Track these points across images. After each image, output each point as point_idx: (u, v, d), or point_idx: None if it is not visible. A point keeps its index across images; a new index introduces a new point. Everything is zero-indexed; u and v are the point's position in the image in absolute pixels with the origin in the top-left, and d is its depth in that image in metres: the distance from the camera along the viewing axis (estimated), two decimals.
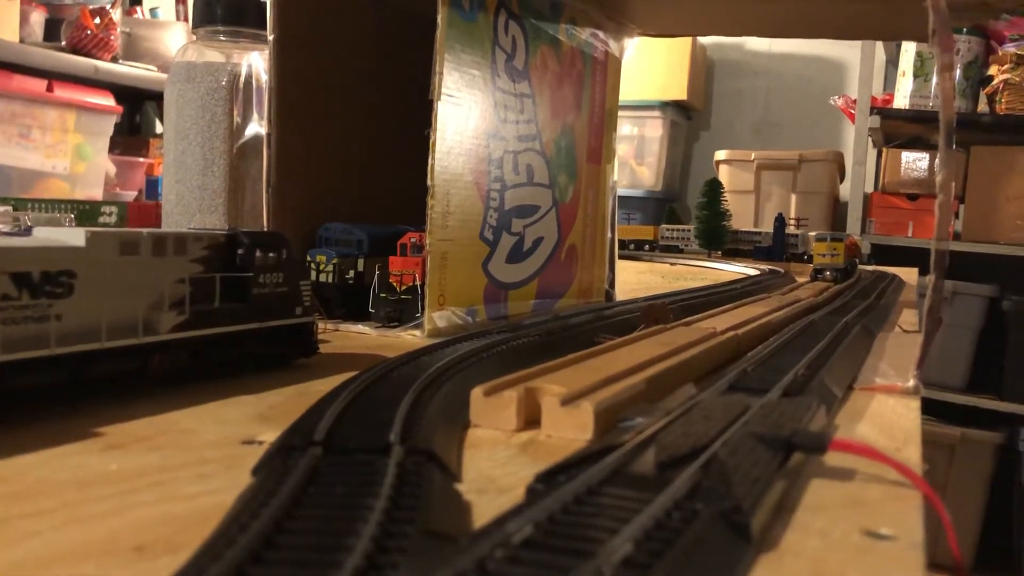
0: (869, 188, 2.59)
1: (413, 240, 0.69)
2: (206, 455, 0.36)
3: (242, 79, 0.85)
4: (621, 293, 1.04)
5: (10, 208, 0.94)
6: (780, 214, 2.00)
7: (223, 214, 0.85)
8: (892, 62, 2.72)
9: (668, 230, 2.17)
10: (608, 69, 0.98)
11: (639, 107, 2.85)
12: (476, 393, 0.42)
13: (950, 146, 0.49)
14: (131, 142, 2.45)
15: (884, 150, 2.59)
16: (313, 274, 0.71)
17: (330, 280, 0.72)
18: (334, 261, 0.72)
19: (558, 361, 0.48)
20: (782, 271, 1.46)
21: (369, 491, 0.27)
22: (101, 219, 1.15)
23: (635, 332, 0.62)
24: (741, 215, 2.57)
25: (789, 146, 2.85)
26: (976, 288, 2.33)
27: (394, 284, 0.70)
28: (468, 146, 0.71)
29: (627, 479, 0.28)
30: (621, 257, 1.07)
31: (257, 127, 0.85)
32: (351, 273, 0.72)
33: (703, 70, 3.05)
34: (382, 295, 0.70)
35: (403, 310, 0.69)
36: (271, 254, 0.50)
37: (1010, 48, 2.29)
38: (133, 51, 2.44)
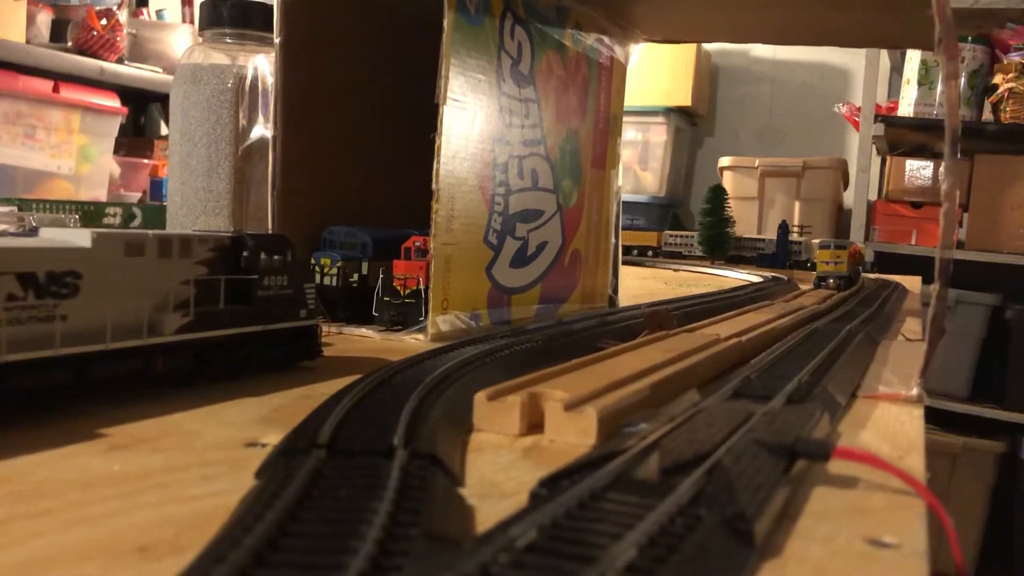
0: (873, 196, 2.59)
1: (417, 244, 0.69)
2: (210, 457, 0.36)
3: (248, 82, 0.85)
4: (624, 299, 1.04)
5: (15, 208, 0.94)
6: (784, 221, 2.00)
7: (228, 216, 0.85)
8: (897, 70, 2.72)
9: (671, 236, 2.17)
10: (613, 74, 0.98)
11: (643, 113, 2.85)
12: (479, 397, 0.42)
13: (955, 154, 0.49)
14: (136, 143, 2.45)
15: (888, 158, 2.59)
16: (317, 277, 0.71)
17: (334, 283, 0.72)
18: (338, 264, 0.72)
19: (561, 366, 0.48)
20: (785, 278, 1.46)
21: (373, 494, 0.27)
22: (105, 220, 1.15)
23: (638, 338, 0.62)
24: (745, 222, 2.57)
25: (793, 153, 2.85)
26: (979, 297, 2.33)
27: (398, 288, 0.70)
28: (473, 150, 0.71)
29: (630, 485, 0.28)
30: (624, 263, 1.07)
31: (263, 130, 0.85)
32: (355, 276, 0.72)
33: (707, 76, 3.05)
34: (386, 298, 0.70)
35: (407, 314, 0.69)
36: (276, 257, 0.50)
37: (1015, 57, 2.29)
38: (139, 53, 2.45)
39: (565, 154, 0.87)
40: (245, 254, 0.49)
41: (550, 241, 0.85)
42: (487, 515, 0.30)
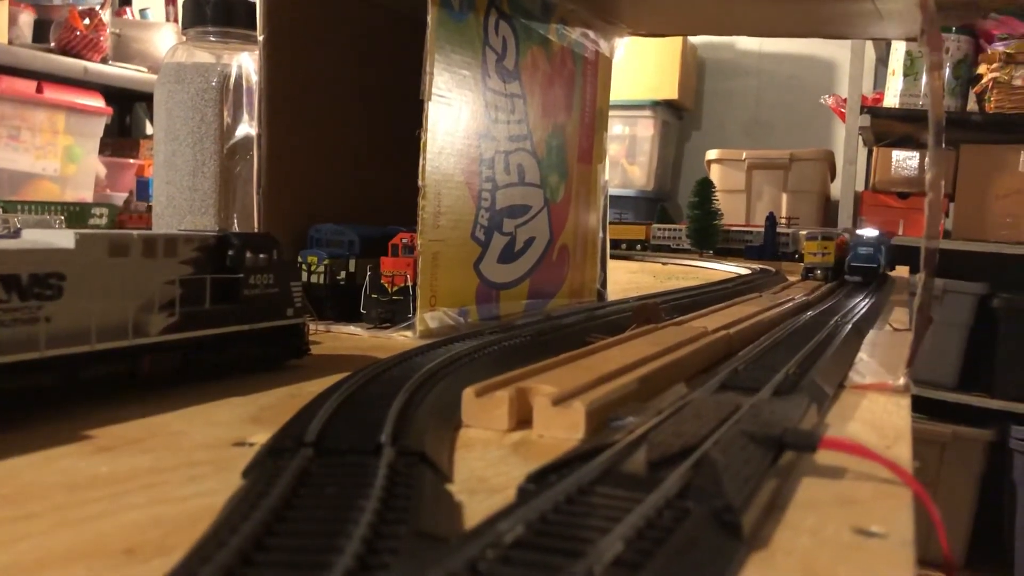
0: (860, 187, 2.60)
1: (404, 241, 0.69)
2: (197, 457, 0.36)
3: (232, 80, 0.85)
4: (613, 293, 1.04)
5: None
6: (771, 213, 2.00)
7: (214, 215, 0.85)
8: (882, 61, 2.73)
9: (660, 230, 2.17)
10: (599, 69, 0.98)
11: (630, 107, 2.85)
12: (468, 393, 0.42)
13: (940, 145, 0.49)
14: (121, 143, 2.44)
15: (874, 149, 2.60)
16: (304, 275, 0.71)
17: (321, 281, 0.71)
18: (325, 262, 0.71)
19: (549, 361, 0.48)
20: (773, 270, 1.47)
21: (360, 492, 0.27)
22: (91, 221, 1.14)
23: (626, 332, 0.63)
24: (732, 214, 2.58)
25: (780, 145, 2.86)
26: (966, 286, 2.34)
27: (385, 285, 0.70)
28: (459, 146, 0.71)
29: (618, 478, 0.28)
30: (613, 257, 1.07)
31: (247, 128, 0.85)
32: (342, 274, 0.72)
33: (694, 70, 3.05)
34: (373, 296, 0.70)
35: (395, 311, 0.69)
36: (262, 255, 0.50)
37: (999, 47, 2.30)
38: (123, 52, 2.43)
39: (551, 149, 0.87)
40: (231, 253, 0.49)
41: (538, 236, 0.85)
42: (475, 511, 0.30)
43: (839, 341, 0.61)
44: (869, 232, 1.22)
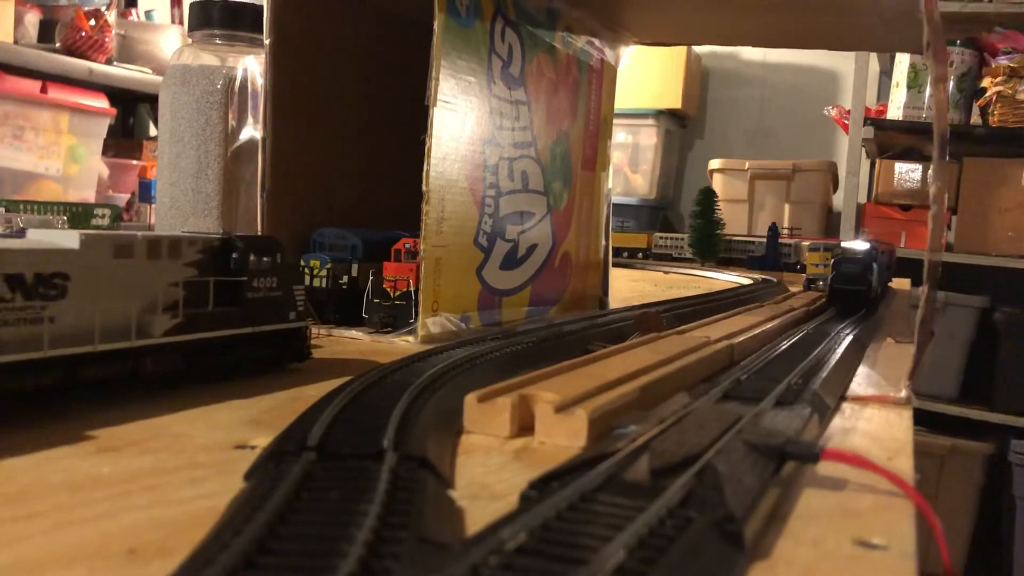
0: (862, 198, 2.60)
1: (407, 246, 0.69)
2: (198, 459, 0.36)
3: (237, 83, 0.85)
4: (614, 301, 1.04)
5: (2, 210, 0.94)
6: (773, 223, 2.00)
7: (217, 218, 0.85)
8: (886, 73, 2.73)
9: (662, 238, 2.18)
10: (604, 77, 0.98)
11: (634, 115, 2.86)
12: (470, 399, 0.42)
13: (943, 157, 0.50)
14: (124, 144, 2.44)
15: (877, 160, 2.60)
16: (307, 279, 0.71)
17: (324, 285, 0.71)
18: (328, 266, 0.71)
19: (552, 368, 0.48)
20: (775, 280, 1.47)
21: (362, 497, 0.27)
22: (94, 221, 1.14)
23: (628, 340, 0.63)
24: (734, 224, 2.58)
25: (783, 155, 2.86)
26: (968, 299, 2.34)
27: (388, 290, 0.70)
28: (463, 152, 0.71)
29: (621, 486, 0.28)
30: (614, 265, 1.08)
31: (252, 131, 0.85)
32: (345, 278, 0.72)
33: (698, 79, 3.06)
34: (376, 300, 0.70)
35: (397, 316, 0.69)
36: (265, 258, 0.50)
37: (1003, 61, 2.30)
38: (128, 53, 2.44)
39: (555, 156, 0.87)
40: (234, 256, 0.49)
41: (540, 243, 0.85)
42: (477, 517, 0.30)
43: (841, 352, 0.61)
44: (858, 245, 0.94)
